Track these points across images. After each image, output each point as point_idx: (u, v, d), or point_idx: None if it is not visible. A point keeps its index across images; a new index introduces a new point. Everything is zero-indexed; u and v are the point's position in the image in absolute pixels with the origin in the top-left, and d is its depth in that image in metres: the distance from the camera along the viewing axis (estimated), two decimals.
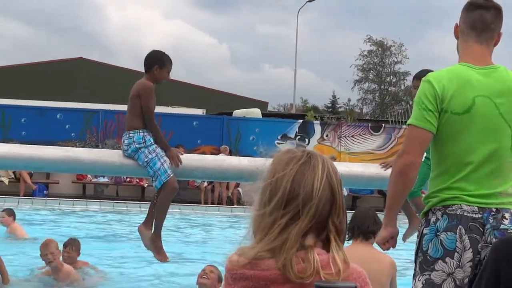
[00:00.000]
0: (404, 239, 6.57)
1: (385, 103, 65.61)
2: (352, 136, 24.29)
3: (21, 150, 7.12)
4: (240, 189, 21.72)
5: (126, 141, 7.04)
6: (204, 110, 29.56)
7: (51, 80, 50.69)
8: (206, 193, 21.69)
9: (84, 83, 50.86)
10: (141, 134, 7.00)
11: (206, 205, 21.05)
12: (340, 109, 66.59)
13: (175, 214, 18.75)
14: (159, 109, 28.36)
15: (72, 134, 23.33)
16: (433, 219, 4.01)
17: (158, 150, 6.97)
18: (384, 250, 4.59)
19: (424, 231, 4.05)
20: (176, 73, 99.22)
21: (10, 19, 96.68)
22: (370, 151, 24.10)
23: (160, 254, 7.17)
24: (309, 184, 2.39)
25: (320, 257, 2.34)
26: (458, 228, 3.93)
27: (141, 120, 7.07)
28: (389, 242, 4.30)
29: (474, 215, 3.94)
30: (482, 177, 3.99)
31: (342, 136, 24.27)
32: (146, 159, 6.90)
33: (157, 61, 7.12)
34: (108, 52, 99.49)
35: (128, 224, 16.22)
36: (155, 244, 7.11)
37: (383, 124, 26.38)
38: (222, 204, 21.15)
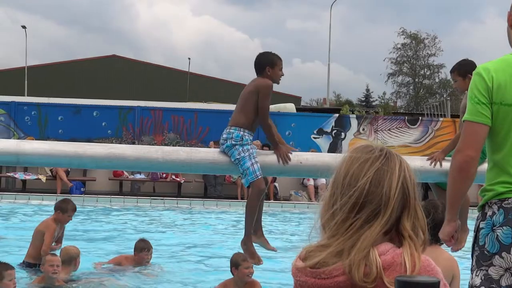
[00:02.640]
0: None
1: (419, 96, 65.28)
2: (389, 129, 24.14)
3: (65, 147, 7.12)
4: (276, 184, 21.67)
5: (224, 135, 7.09)
6: None
7: (85, 78, 51.16)
8: (242, 188, 21.67)
9: (118, 80, 51.21)
10: (241, 132, 6.99)
11: (243, 200, 21.01)
12: (374, 103, 66.35)
13: (214, 210, 18.83)
14: (194, 105, 28.64)
15: (109, 131, 23.44)
16: (489, 213, 3.95)
17: (252, 151, 6.97)
18: (449, 246, 4.55)
19: (481, 225, 3.99)
20: (209, 69, 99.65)
21: (43, 18, 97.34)
22: (407, 145, 23.93)
23: (253, 257, 7.19)
24: (387, 188, 2.34)
25: (382, 258, 2.29)
26: None
27: (247, 118, 7.03)
28: (454, 237, 4.25)
29: None
30: None
31: (379, 129, 24.14)
32: (238, 157, 6.91)
33: (267, 61, 7.08)
34: (138, 49, 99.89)
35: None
36: (246, 247, 7.14)
37: (420, 117, 26.16)
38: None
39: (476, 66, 6.86)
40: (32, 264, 9.64)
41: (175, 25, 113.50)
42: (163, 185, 22.52)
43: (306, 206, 19.28)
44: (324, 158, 7.31)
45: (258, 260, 7.19)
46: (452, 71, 7.40)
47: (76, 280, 9.14)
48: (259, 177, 6.90)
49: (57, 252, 9.23)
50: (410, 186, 2.38)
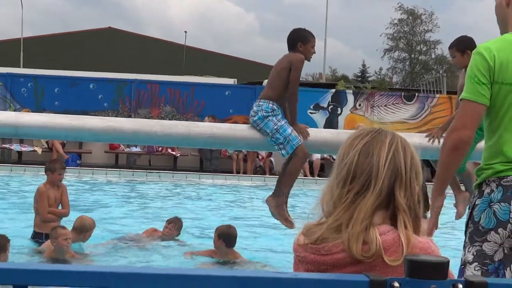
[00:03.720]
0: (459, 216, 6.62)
1: (415, 72, 65.22)
2: (385, 105, 24.12)
3: (63, 120, 7.14)
4: (272, 159, 21.71)
5: (255, 108, 7.12)
6: (235, 79, 29.49)
7: (81, 50, 50.95)
8: (238, 163, 21.72)
9: (114, 53, 51.05)
10: (270, 105, 7.04)
11: (238, 174, 21.06)
12: (369, 78, 66.28)
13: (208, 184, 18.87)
14: (190, 78, 28.55)
15: (105, 104, 23.39)
16: (487, 190, 3.97)
17: (286, 120, 7.04)
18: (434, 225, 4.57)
19: (477, 202, 4.02)
20: (205, 43, 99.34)
21: None
22: (404, 121, 23.92)
23: (287, 221, 7.22)
24: (376, 158, 2.39)
25: (383, 238, 2.33)
26: None
27: (275, 92, 7.10)
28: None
29: None
30: None
31: (375, 105, 24.13)
32: (275, 126, 6.97)
33: (300, 37, 7.14)
34: (134, 22, 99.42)
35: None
36: (280, 211, 7.18)
37: (416, 94, 26.15)
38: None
39: (475, 43, 6.89)
40: (39, 233, 9.73)
41: None
42: (159, 159, 22.56)
43: (302, 181, 19.33)
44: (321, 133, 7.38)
45: (291, 224, 7.18)
46: (450, 47, 7.44)
47: (85, 253, 9.21)
48: (301, 141, 6.99)
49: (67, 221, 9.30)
50: (403, 159, 2.41)
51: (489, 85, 3.94)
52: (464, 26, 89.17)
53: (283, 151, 7.03)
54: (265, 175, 21.01)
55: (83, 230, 9.13)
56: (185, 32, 56.29)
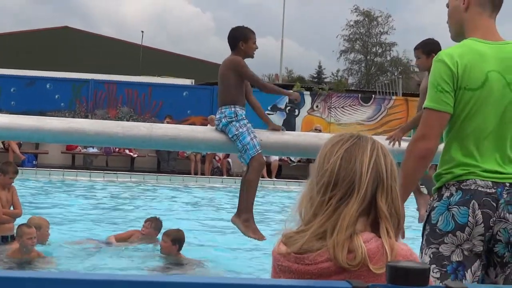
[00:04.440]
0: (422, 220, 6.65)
1: (371, 74, 65.56)
2: (342, 107, 24.28)
3: (25, 121, 7.11)
4: (230, 160, 21.72)
5: (217, 116, 7.11)
6: (193, 80, 29.44)
7: (37, 49, 50.37)
8: (196, 164, 21.69)
9: (70, 52, 50.58)
10: (232, 109, 7.03)
11: (196, 176, 21.04)
12: (326, 80, 66.48)
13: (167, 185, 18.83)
14: (147, 79, 28.42)
15: (62, 104, 23.22)
16: (446, 193, 4.00)
17: (249, 125, 7.03)
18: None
19: (435, 205, 4.04)
20: (161, 43, 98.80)
21: None
22: (360, 122, 24.10)
23: (256, 234, 7.13)
24: (358, 164, 2.38)
25: (367, 246, 2.33)
26: (472, 202, 3.92)
27: (231, 95, 7.10)
28: None
29: (488, 190, 3.94)
30: (496, 153, 4.02)
31: (332, 107, 24.26)
32: (236, 132, 6.95)
33: (240, 36, 7.15)
34: (88, 21, 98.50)
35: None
36: (247, 224, 7.09)
37: (373, 95, 26.34)
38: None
39: (440, 47, 6.97)
40: None
41: None
42: (116, 159, 22.46)
43: (260, 183, 19.32)
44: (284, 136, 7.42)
45: (260, 236, 7.13)
46: (416, 48, 7.53)
47: (48, 257, 9.18)
48: (260, 151, 6.97)
49: (22, 220, 9.25)
50: (384, 165, 2.40)
51: (453, 92, 3.96)
52: (416, 27, 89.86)
53: (242, 159, 7.05)
54: (223, 176, 21.02)
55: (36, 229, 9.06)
56: (142, 32, 56.26)
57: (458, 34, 4.20)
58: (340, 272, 2.30)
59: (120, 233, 10.51)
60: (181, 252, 9.20)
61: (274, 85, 7.24)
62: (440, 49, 5.11)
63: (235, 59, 7.09)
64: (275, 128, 7.28)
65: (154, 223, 10.22)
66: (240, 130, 6.96)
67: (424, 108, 4.07)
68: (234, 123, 6.99)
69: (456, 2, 4.19)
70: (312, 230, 2.36)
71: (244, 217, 7.11)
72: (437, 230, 3.99)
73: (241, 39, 7.11)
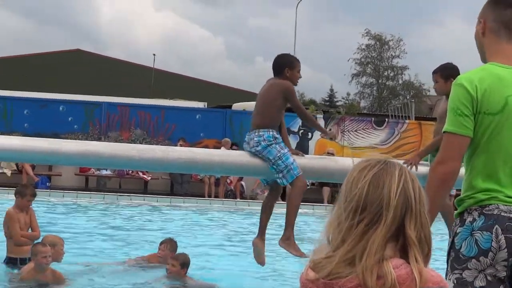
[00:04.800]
0: None
1: (383, 97, 65.64)
2: (355, 130, 24.25)
3: (40, 144, 7.10)
4: (243, 183, 21.70)
5: (256, 139, 7.09)
6: (206, 103, 29.50)
7: (49, 72, 50.66)
8: (209, 187, 21.66)
9: (82, 75, 50.83)
10: (271, 132, 7.08)
11: (210, 198, 21.00)
12: (337, 103, 66.57)
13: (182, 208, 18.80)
14: (160, 101, 28.47)
15: (75, 126, 23.30)
16: (469, 219, 3.98)
17: (287, 149, 7.11)
18: None
19: (458, 230, 4.02)
20: (172, 66, 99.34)
21: (5, 10, 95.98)
22: (374, 146, 24.06)
23: (297, 251, 7.16)
24: (386, 189, 2.36)
25: (397, 272, 2.31)
26: (495, 228, 3.89)
27: (272, 119, 7.14)
28: None
29: (511, 215, 3.93)
30: None
31: (345, 130, 24.24)
32: (278, 154, 6.99)
33: (287, 63, 7.19)
34: (100, 44, 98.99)
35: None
36: (289, 242, 7.15)
37: (386, 119, 26.31)
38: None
39: (459, 71, 6.95)
40: (13, 258, 9.62)
41: (137, 20, 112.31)
42: (129, 182, 22.47)
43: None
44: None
45: (301, 253, 7.13)
46: (434, 72, 7.52)
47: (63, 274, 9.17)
48: (301, 172, 7.00)
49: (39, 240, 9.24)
50: (412, 190, 2.39)
51: (472, 116, 3.95)
52: (426, 50, 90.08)
53: (284, 180, 7.04)
54: (236, 199, 20.98)
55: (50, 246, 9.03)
56: (154, 55, 56.67)
57: (483, 58, 4.22)
58: None
59: (138, 257, 10.49)
60: (190, 274, 9.19)
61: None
62: (458, 74, 5.08)
63: (286, 84, 7.11)
64: (293, 153, 7.26)
65: (170, 244, 10.18)
66: (282, 151, 7.01)
67: (444, 132, 4.05)
68: (274, 145, 7.02)
69: (477, 27, 4.22)
70: (340, 255, 2.35)
71: (286, 235, 7.16)
72: (461, 255, 3.97)
73: (287, 65, 7.15)
